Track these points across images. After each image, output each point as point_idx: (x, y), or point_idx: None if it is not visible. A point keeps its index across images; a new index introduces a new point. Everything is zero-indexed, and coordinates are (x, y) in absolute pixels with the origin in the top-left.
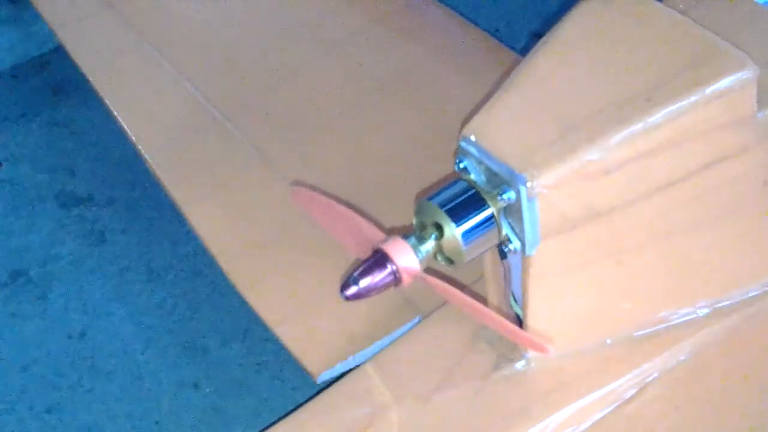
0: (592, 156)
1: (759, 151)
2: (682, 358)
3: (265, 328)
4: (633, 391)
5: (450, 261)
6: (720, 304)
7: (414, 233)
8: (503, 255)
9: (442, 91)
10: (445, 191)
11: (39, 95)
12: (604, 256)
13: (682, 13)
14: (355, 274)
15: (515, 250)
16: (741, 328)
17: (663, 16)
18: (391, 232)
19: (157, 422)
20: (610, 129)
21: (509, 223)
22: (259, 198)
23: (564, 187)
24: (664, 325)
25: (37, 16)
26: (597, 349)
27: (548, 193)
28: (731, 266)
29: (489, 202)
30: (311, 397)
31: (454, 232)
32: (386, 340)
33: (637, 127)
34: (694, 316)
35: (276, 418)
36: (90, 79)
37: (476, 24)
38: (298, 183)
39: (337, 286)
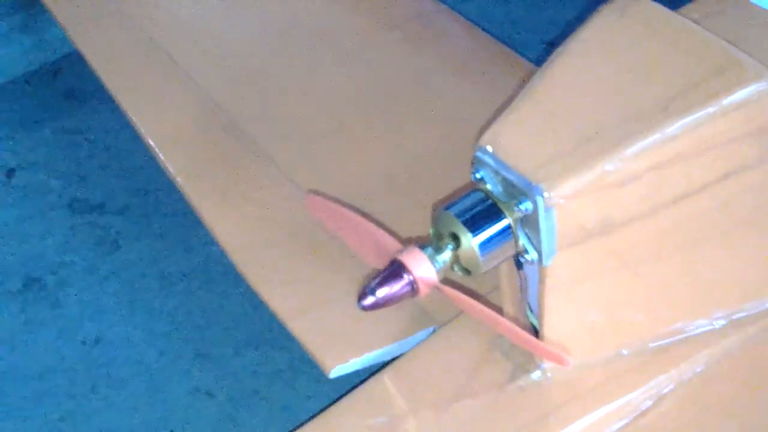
0: (609, 167)
1: None
2: (699, 369)
3: (278, 337)
4: (649, 403)
5: (466, 271)
6: (736, 316)
7: (431, 243)
8: (520, 265)
9: (455, 100)
10: (462, 201)
11: (52, 102)
12: (620, 267)
13: (698, 23)
14: (372, 284)
15: (532, 261)
16: (757, 339)
17: (679, 27)
18: (406, 241)
19: (171, 430)
20: (627, 140)
21: (526, 234)
22: (273, 201)
23: (581, 197)
24: (680, 336)
25: (49, 24)
26: (613, 360)
27: (565, 203)
28: (748, 277)
29: (506, 213)
30: (326, 406)
31: (470, 242)
32: (400, 346)
33: (655, 138)
34: (710, 327)
35: (290, 428)
36: (107, 85)
37: (489, 32)
38: (312, 191)
39: (352, 284)
